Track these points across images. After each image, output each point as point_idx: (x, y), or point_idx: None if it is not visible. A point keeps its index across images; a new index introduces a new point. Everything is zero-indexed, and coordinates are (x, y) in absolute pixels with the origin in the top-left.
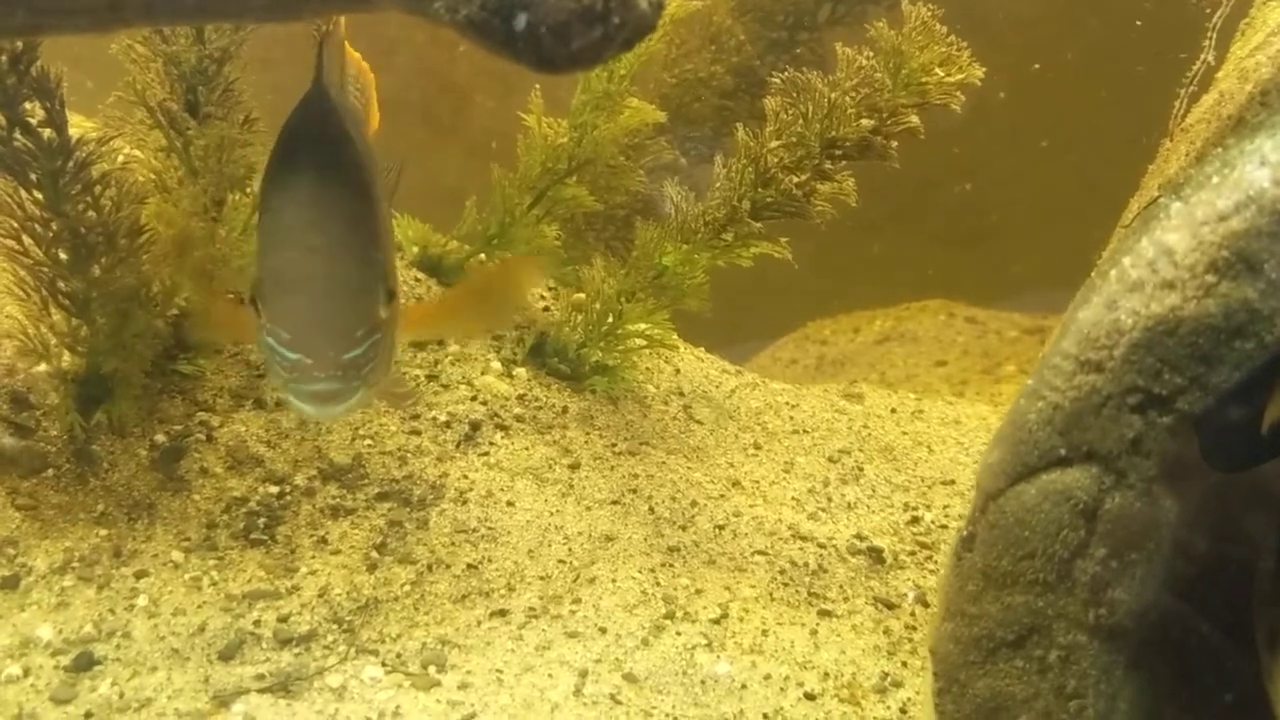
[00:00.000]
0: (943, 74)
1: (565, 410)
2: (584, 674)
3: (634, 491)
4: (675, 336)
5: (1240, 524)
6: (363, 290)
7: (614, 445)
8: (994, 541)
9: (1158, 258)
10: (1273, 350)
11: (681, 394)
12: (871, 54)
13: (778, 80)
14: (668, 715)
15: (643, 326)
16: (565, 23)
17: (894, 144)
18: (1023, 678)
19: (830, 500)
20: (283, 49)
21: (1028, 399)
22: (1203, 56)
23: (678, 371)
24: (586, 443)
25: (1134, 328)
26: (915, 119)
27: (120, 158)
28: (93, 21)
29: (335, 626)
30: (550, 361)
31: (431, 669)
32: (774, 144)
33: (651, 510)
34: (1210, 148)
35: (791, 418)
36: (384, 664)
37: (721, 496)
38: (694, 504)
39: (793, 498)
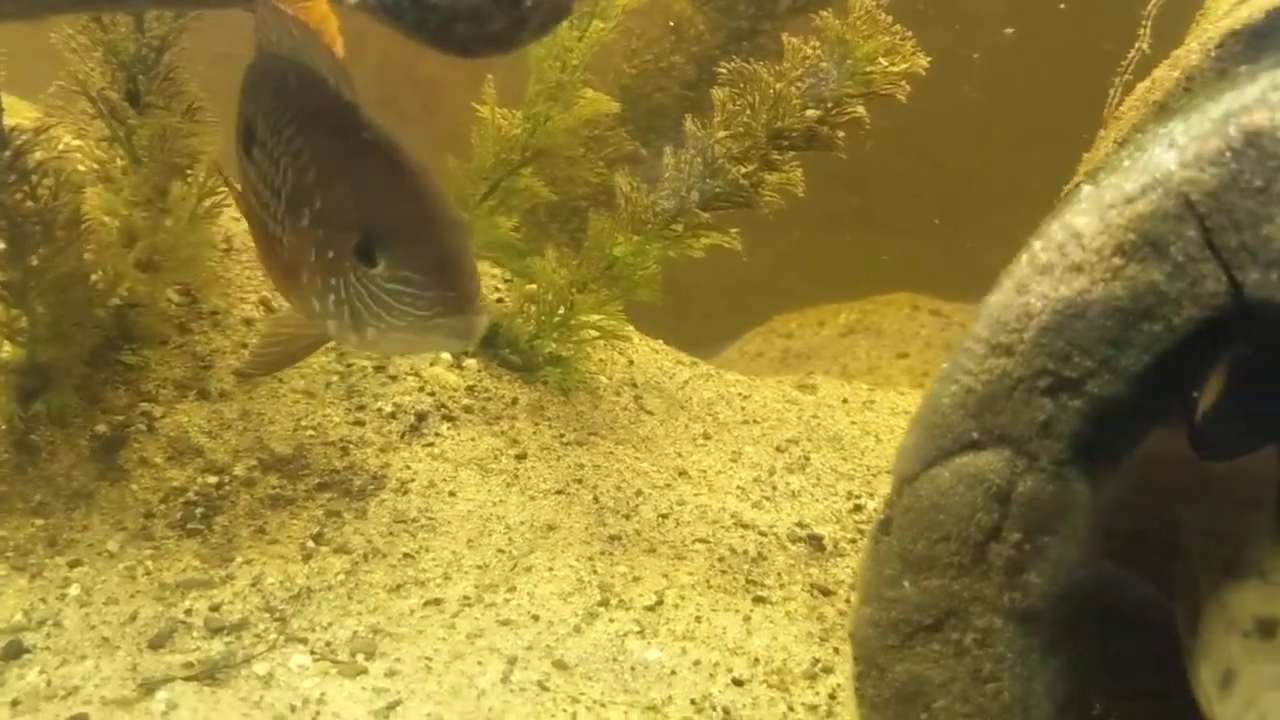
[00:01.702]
0: (887, 64)
1: (515, 401)
2: (513, 661)
3: (579, 481)
4: (629, 327)
5: (1165, 506)
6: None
7: (562, 436)
8: (910, 525)
9: (1066, 241)
10: (1180, 333)
11: (634, 385)
12: (818, 44)
13: (725, 70)
14: (595, 702)
15: (595, 318)
16: (478, 6)
17: (840, 134)
18: (940, 661)
19: (775, 489)
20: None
21: (941, 383)
22: (1138, 45)
23: (631, 363)
24: (535, 433)
25: (1043, 311)
26: (861, 109)
27: (60, 146)
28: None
29: (267, 615)
30: (502, 353)
31: (360, 657)
32: (721, 134)
33: (596, 500)
34: (1134, 134)
35: (743, 408)
36: (313, 652)
37: (667, 486)
38: (639, 493)
39: (738, 486)
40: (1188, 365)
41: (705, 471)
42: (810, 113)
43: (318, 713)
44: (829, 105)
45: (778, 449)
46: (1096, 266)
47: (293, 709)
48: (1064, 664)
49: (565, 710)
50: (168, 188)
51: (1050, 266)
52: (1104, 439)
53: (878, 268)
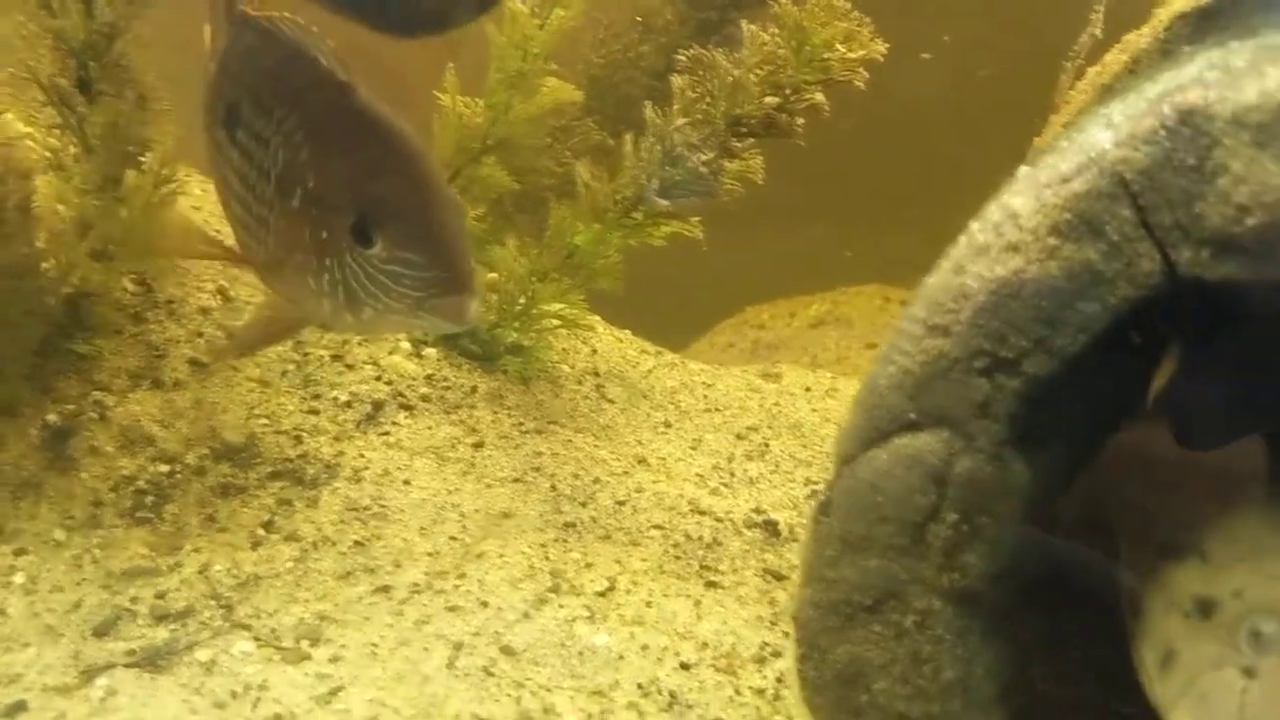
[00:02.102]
0: (845, 50)
1: (474, 390)
2: (459, 647)
3: (537, 470)
4: (592, 317)
5: (1110, 487)
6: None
7: (521, 424)
8: (849, 506)
9: (1003, 221)
10: (1115, 312)
11: (596, 374)
12: (776, 31)
13: (684, 58)
14: (541, 687)
15: (557, 306)
16: None
17: (800, 121)
18: (880, 643)
19: (733, 475)
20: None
21: (880, 364)
22: (1089, 30)
23: (594, 352)
24: (494, 422)
25: (979, 291)
26: (820, 96)
27: (11, 134)
28: None
29: (213, 603)
30: (462, 342)
31: (305, 643)
32: (680, 122)
33: (553, 488)
34: (1081, 117)
35: (706, 396)
36: (257, 639)
37: (625, 473)
38: (596, 481)
39: (697, 474)
40: (1128, 346)
41: (665, 459)
42: (769, 100)
43: (259, 699)
44: (787, 92)
45: (738, 436)
46: (1032, 246)
47: (234, 695)
48: (1007, 645)
49: (510, 695)
50: (120, 176)
51: (986, 247)
52: (1041, 419)
53: (849, 259)
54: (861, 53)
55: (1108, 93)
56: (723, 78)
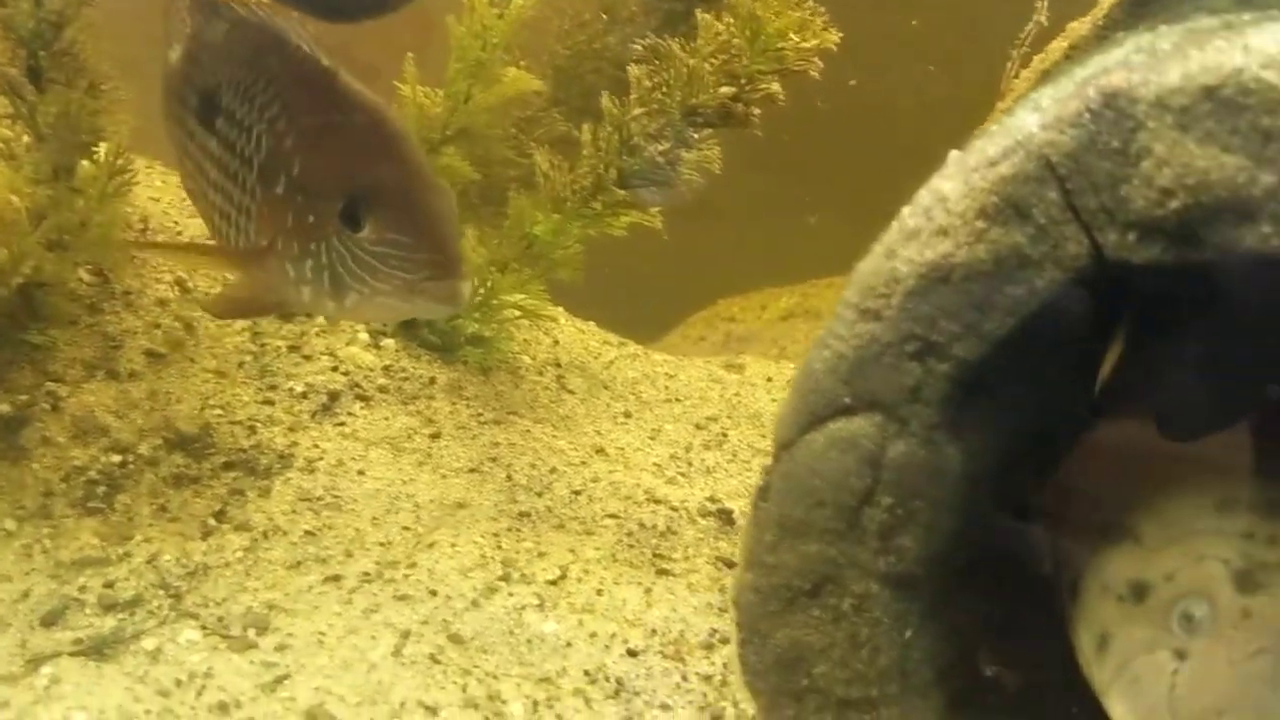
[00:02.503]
0: (798, 40)
1: (433, 381)
2: (407, 635)
3: (494, 460)
4: (555, 308)
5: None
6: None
7: (480, 415)
8: (787, 491)
9: (932, 205)
10: (1044, 296)
11: (558, 365)
12: (731, 20)
13: (641, 48)
14: (488, 674)
15: (517, 297)
16: None
17: (756, 111)
18: (819, 627)
19: (691, 465)
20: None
21: (816, 348)
22: (1035, 17)
23: (556, 343)
24: (452, 413)
25: (909, 276)
26: (776, 85)
27: None
28: None
29: (162, 592)
30: (421, 333)
31: (251, 632)
32: (637, 111)
33: (509, 478)
34: (1016, 103)
35: (667, 387)
36: (204, 627)
37: (583, 463)
38: (553, 471)
39: (654, 463)
40: (1062, 330)
41: (623, 449)
42: (725, 89)
43: (204, 686)
44: (742, 82)
45: (697, 426)
46: (960, 230)
47: (178, 683)
48: (946, 629)
49: (456, 682)
50: (73, 165)
51: (917, 231)
52: (973, 404)
53: (819, 251)
54: (815, 42)
55: (1046, 79)
56: (678, 68)
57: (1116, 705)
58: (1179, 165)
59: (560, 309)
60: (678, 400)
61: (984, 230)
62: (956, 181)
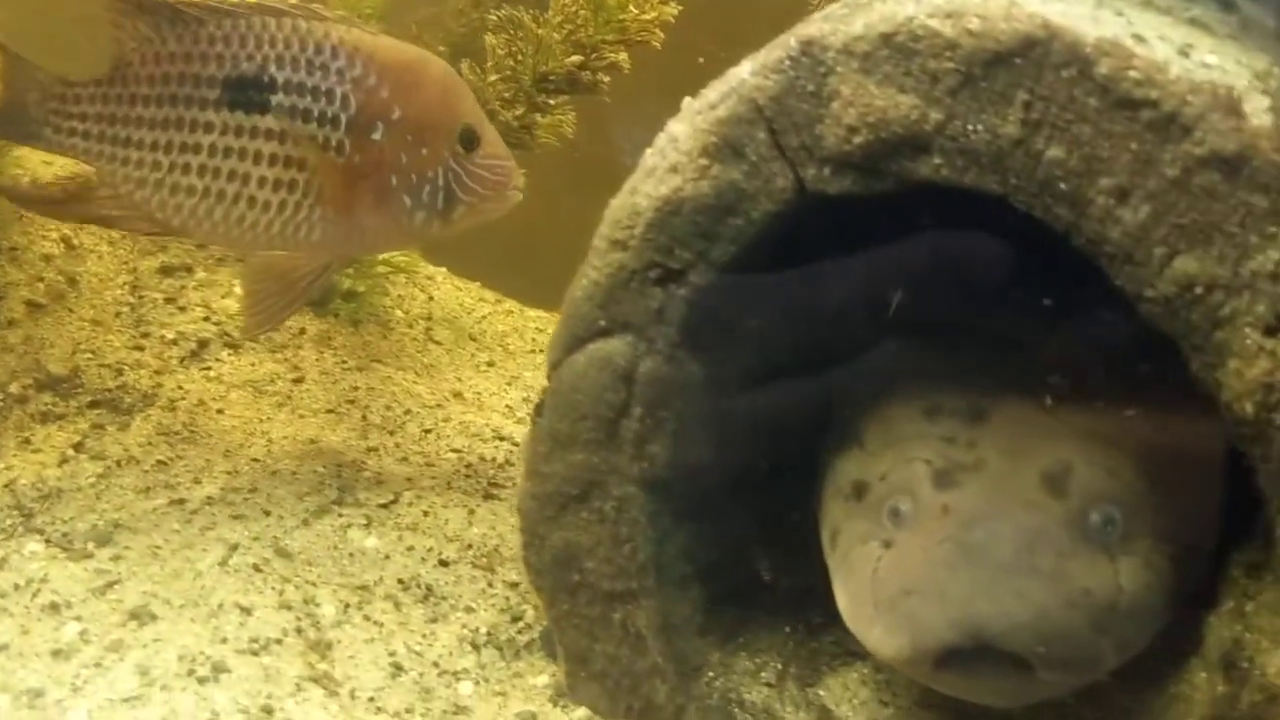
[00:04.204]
0: (638, 12)
1: (303, 331)
2: (235, 548)
3: (352, 402)
4: (429, 266)
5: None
6: None
7: (345, 363)
8: (556, 406)
9: (666, 145)
10: (759, 225)
11: (429, 319)
12: None
13: (495, 17)
14: (308, 582)
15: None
16: None
17: (604, 79)
18: (588, 528)
19: None
20: None
21: (577, 277)
22: None
23: (431, 299)
24: (318, 360)
25: (648, 209)
26: (623, 55)
27: None
28: None
29: (16, 512)
30: None
31: (91, 545)
32: (493, 78)
33: (364, 418)
34: None
35: (534, 340)
36: (48, 541)
37: (438, 406)
38: (408, 412)
39: (506, 405)
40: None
41: (480, 394)
42: (572, 59)
43: (38, 590)
44: (589, 51)
45: None
46: (688, 167)
47: (16, 587)
48: (703, 529)
49: (274, 588)
50: None
51: (654, 169)
52: (709, 323)
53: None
54: (654, 14)
55: None
56: (530, 37)
57: (839, 592)
58: (862, 105)
59: (442, 269)
60: (543, 351)
61: (706, 167)
62: (685, 124)
